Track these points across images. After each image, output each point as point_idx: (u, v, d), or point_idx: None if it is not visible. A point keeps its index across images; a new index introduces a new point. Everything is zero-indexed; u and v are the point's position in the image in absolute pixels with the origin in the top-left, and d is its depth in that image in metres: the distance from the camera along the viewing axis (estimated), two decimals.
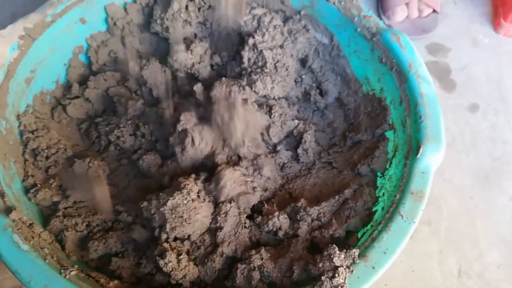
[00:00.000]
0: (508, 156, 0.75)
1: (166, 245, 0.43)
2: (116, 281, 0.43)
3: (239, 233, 0.46)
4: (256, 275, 0.42)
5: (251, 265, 0.43)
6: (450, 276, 0.63)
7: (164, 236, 0.44)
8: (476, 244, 0.66)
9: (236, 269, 0.43)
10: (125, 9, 0.62)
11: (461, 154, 0.76)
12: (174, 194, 0.45)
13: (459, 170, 0.74)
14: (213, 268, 0.44)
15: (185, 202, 0.44)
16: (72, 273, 0.39)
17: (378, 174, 0.53)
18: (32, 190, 0.49)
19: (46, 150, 0.52)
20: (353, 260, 0.39)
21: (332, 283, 0.37)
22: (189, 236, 0.45)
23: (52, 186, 0.50)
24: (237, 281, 0.43)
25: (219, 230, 0.46)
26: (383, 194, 0.48)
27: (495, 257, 0.65)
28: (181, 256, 0.42)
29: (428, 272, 0.64)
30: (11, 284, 0.59)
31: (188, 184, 0.46)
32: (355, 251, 0.40)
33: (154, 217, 0.45)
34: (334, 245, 0.41)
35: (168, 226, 0.44)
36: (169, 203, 0.44)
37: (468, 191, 0.72)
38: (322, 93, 0.64)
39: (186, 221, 0.44)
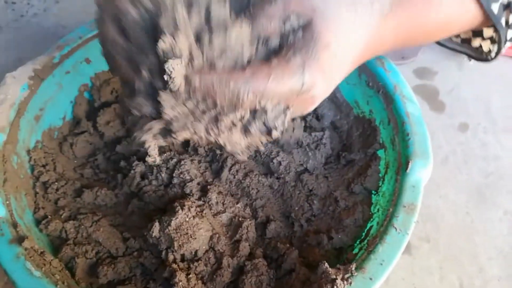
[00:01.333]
0: (501, 171, 0.78)
1: (174, 265, 0.45)
2: None
3: None
4: (265, 279, 0.44)
5: (259, 271, 0.45)
6: None
7: (171, 257, 0.46)
8: (475, 259, 0.68)
9: (243, 280, 0.45)
10: None
11: (455, 171, 0.78)
12: (176, 214, 0.47)
13: (453, 187, 0.76)
14: (222, 283, 0.46)
15: (187, 219, 0.46)
16: None
17: (372, 192, 0.55)
18: (43, 222, 0.51)
19: (56, 183, 0.55)
20: (351, 272, 0.41)
21: None
22: (196, 252, 0.47)
23: (62, 217, 0.52)
24: None
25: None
26: (378, 210, 0.51)
27: (495, 271, 0.66)
28: (190, 276, 0.44)
29: None
30: None
31: (186, 203, 0.48)
32: (352, 265, 0.42)
33: (160, 241, 0.47)
34: (324, 261, 0.43)
35: (176, 244, 0.46)
36: (172, 223, 0.46)
37: (464, 207, 0.74)
38: (318, 118, 0.67)
39: (191, 237, 0.46)
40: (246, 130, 0.37)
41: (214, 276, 0.46)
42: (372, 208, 0.53)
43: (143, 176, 0.56)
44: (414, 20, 0.43)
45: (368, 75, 0.59)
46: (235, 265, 0.48)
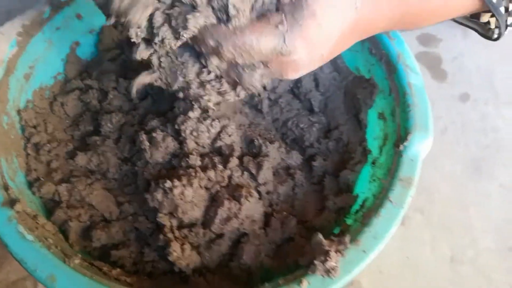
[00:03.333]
0: (498, 144, 0.77)
1: (170, 235, 0.44)
2: (118, 270, 0.45)
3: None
4: (263, 248, 0.44)
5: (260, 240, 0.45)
6: (443, 263, 0.65)
7: (168, 223, 0.46)
8: (469, 231, 0.68)
9: (243, 247, 0.45)
10: None
11: (453, 142, 0.78)
12: (183, 179, 0.47)
13: (450, 158, 0.76)
14: (219, 253, 0.46)
15: (194, 188, 0.46)
16: (76, 261, 0.40)
17: (369, 158, 0.54)
18: (35, 184, 0.50)
19: (47, 144, 0.54)
20: (344, 245, 0.41)
21: (324, 266, 0.39)
22: (196, 220, 0.47)
23: (55, 179, 0.51)
24: (244, 257, 0.46)
25: None
26: (374, 181, 0.50)
27: (487, 243, 0.67)
28: (185, 246, 0.44)
29: (421, 258, 0.65)
30: (15, 276, 0.61)
31: (189, 173, 0.48)
32: (346, 237, 0.41)
33: (163, 205, 0.46)
34: (318, 232, 0.42)
35: (179, 210, 0.46)
36: (179, 189, 0.46)
37: (459, 179, 0.73)
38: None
39: (196, 205, 0.46)
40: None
41: (211, 245, 0.46)
42: (369, 178, 0.52)
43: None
44: (409, 2, 0.43)
45: (371, 42, 0.57)
46: (234, 236, 0.48)
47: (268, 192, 0.53)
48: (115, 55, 0.64)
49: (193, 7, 0.37)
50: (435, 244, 0.67)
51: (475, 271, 0.64)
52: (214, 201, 0.48)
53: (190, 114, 0.50)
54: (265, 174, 0.52)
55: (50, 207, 0.50)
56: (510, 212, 0.70)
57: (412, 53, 0.55)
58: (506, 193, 0.72)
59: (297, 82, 0.62)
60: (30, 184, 0.50)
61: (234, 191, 0.49)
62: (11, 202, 0.43)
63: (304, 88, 0.62)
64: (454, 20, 0.55)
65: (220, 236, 0.48)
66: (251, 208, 0.48)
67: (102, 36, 0.65)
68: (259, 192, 0.52)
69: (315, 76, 0.62)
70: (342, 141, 0.59)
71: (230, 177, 0.50)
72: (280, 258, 0.48)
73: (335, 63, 0.64)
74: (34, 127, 0.55)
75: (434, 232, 0.68)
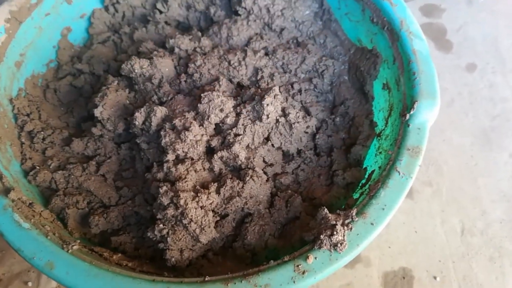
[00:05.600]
0: (507, 114, 0.75)
1: (162, 226, 0.43)
2: (119, 254, 0.43)
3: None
4: (268, 228, 0.42)
5: (264, 220, 0.43)
6: (453, 235, 0.64)
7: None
8: (478, 202, 0.67)
9: (247, 227, 0.44)
10: None
11: (460, 114, 0.75)
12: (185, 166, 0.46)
13: (458, 130, 0.74)
14: (222, 235, 0.45)
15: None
16: (75, 247, 0.39)
17: (375, 130, 0.53)
18: (31, 173, 0.49)
19: (42, 132, 0.52)
20: (351, 218, 0.39)
21: (331, 240, 0.37)
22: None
23: (51, 167, 0.50)
24: (248, 238, 0.44)
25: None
26: (380, 153, 0.48)
27: (497, 213, 0.65)
28: (181, 234, 0.42)
29: (431, 232, 0.64)
30: (19, 268, 0.60)
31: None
32: (353, 210, 0.40)
33: (170, 174, 0.46)
34: (324, 207, 0.41)
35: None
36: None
37: (468, 151, 0.71)
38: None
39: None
40: None
41: (216, 226, 0.45)
42: (375, 151, 0.51)
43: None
44: None
45: (373, 10, 0.54)
46: (238, 216, 0.46)
47: (276, 174, 0.52)
48: (105, 38, 0.62)
49: None
50: (444, 217, 0.65)
51: (486, 242, 0.63)
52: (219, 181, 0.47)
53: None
54: (273, 154, 0.51)
55: (47, 195, 0.49)
56: None
57: (415, 19, 0.52)
58: None
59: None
60: (25, 173, 0.49)
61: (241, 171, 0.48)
62: (6, 191, 0.42)
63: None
64: None
65: (224, 216, 0.46)
66: (257, 188, 0.47)
67: (93, 19, 0.63)
68: (266, 174, 0.51)
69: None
70: (348, 115, 0.57)
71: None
72: (286, 237, 0.46)
73: (337, 36, 0.62)
74: (28, 115, 0.53)
75: (443, 205, 0.66)
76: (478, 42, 0.84)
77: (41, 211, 0.44)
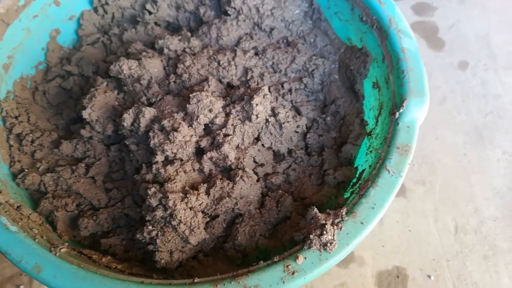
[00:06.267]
0: (500, 111, 0.75)
1: (151, 228, 0.43)
2: (109, 257, 0.43)
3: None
4: (258, 228, 0.42)
5: (255, 220, 0.43)
6: (446, 233, 0.64)
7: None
8: (471, 200, 0.66)
9: (237, 228, 0.44)
10: None
11: (453, 112, 0.75)
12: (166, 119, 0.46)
13: (451, 128, 0.74)
14: (213, 236, 0.45)
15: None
16: (63, 250, 0.39)
17: (366, 129, 0.52)
18: (20, 176, 0.49)
19: (30, 135, 0.52)
20: (341, 217, 0.39)
21: (321, 240, 0.37)
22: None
23: (40, 169, 0.50)
24: (239, 238, 0.44)
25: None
26: (371, 152, 0.48)
27: (491, 211, 0.65)
28: (170, 236, 0.42)
29: (424, 230, 0.64)
30: (10, 272, 0.59)
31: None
32: (343, 209, 0.40)
33: (159, 174, 0.45)
34: (314, 207, 0.41)
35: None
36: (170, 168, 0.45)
37: (461, 148, 0.71)
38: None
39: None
40: None
41: (206, 227, 0.45)
42: (365, 150, 0.50)
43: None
44: None
45: (362, 8, 0.54)
46: (229, 217, 0.46)
47: (266, 174, 0.52)
48: (95, 39, 0.62)
49: None
50: (438, 215, 0.65)
51: (480, 240, 0.63)
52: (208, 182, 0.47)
53: None
54: (264, 154, 0.51)
55: (36, 198, 0.49)
56: None
57: (403, 16, 0.52)
58: (509, 160, 0.70)
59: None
60: (14, 176, 0.49)
61: (231, 172, 0.48)
62: None
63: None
64: None
65: (214, 217, 0.46)
66: (247, 188, 0.47)
67: (82, 21, 0.63)
68: (256, 174, 0.50)
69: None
70: (339, 115, 0.57)
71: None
72: (277, 237, 0.46)
73: (327, 35, 0.62)
74: (16, 117, 0.53)
75: (437, 203, 0.66)
76: (470, 40, 0.84)
77: (29, 214, 0.43)
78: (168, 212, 0.41)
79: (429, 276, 0.60)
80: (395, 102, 0.48)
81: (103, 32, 0.63)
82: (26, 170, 0.49)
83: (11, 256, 0.38)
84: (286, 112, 0.52)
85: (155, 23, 0.63)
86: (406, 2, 0.88)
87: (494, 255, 0.62)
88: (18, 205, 0.43)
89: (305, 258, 0.37)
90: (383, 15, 0.52)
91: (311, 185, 0.52)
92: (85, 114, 0.50)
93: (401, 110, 0.45)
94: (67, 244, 0.41)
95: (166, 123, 0.47)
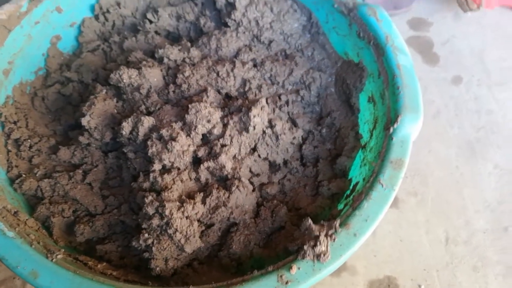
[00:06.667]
0: (492, 126, 0.76)
1: (147, 235, 0.43)
2: (104, 263, 0.44)
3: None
4: (253, 238, 0.43)
5: (250, 229, 0.44)
6: (437, 244, 0.65)
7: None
8: (463, 212, 0.68)
9: (232, 237, 0.44)
10: None
11: (446, 126, 0.77)
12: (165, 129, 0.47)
13: (444, 141, 0.75)
14: (208, 244, 0.45)
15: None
16: (59, 256, 0.39)
17: (361, 142, 0.53)
18: (17, 181, 0.49)
19: (29, 140, 0.52)
20: (335, 229, 0.40)
21: (314, 251, 0.38)
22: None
23: (37, 175, 0.50)
24: (234, 247, 0.45)
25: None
26: (365, 165, 0.49)
27: (481, 223, 0.67)
28: (166, 244, 0.43)
29: (416, 241, 0.65)
30: (3, 276, 0.60)
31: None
32: (337, 221, 0.40)
33: (156, 183, 0.46)
34: (308, 217, 0.41)
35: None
36: (167, 178, 0.45)
37: (453, 162, 0.73)
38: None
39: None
40: None
41: (201, 236, 0.45)
42: (360, 163, 0.51)
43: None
44: None
45: (359, 25, 0.56)
46: (224, 225, 0.47)
47: (262, 184, 0.52)
48: (95, 46, 0.62)
49: None
50: (429, 227, 0.66)
51: (470, 252, 0.64)
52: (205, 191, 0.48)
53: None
54: (260, 165, 0.52)
55: (33, 203, 0.49)
56: (505, 192, 0.69)
57: (399, 33, 0.53)
58: (500, 174, 0.71)
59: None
60: (11, 181, 0.49)
61: (227, 182, 0.49)
62: None
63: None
64: None
65: (210, 226, 0.47)
66: (243, 198, 0.47)
67: (83, 28, 0.64)
68: (252, 184, 0.51)
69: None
70: (334, 127, 0.58)
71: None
72: (271, 247, 0.47)
73: (324, 49, 0.63)
74: (15, 123, 0.53)
75: (429, 214, 0.67)
76: (465, 55, 0.86)
77: (26, 219, 0.44)
78: (165, 220, 0.42)
79: (420, 286, 0.61)
80: (389, 117, 0.49)
81: (104, 39, 0.64)
82: (24, 175, 0.49)
83: (8, 261, 0.38)
84: (283, 124, 0.53)
85: (155, 32, 0.64)
86: (402, 17, 0.89)
87: (483, 266, 0.63)
88: (15, 210, 0.43)
89: (298, 268, 0.38)
90: (380, 32, 0.53)
91: (306, 195, 0.53)
92: (84, 121, 0.50)
93: (395, 126, 0.46)
94: (63, 250, 0.41)
95: (164, 132, 0.47)
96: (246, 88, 0.57)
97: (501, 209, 0.68)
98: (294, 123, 0.57)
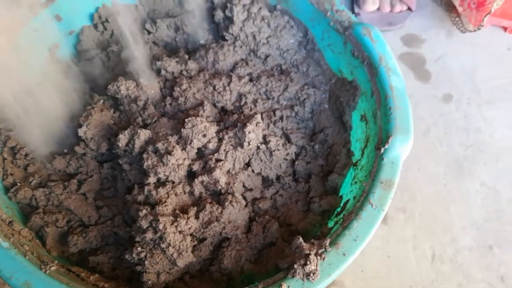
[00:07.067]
0: (480, 144, 0.78)
1: (140, 249, 0.44)
2: (96, 275, 0.44)
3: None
4: (244, 253, 0.44)
5: (241, 245, 0.45)
6: (424, 261, 0.66)
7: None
8: (449, 229, 0.69)
9: (224, 252, 0.45)
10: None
11: (435, 143, 0.78)
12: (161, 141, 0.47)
13: (433, 158, 0.76)
14: (199, 258, 0.46)
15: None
16: (52, 268, 0.40)
17: (352, 160, 0.55)
18: (12, 189, 0.49)
19: (24, 148, 0.53)
20: (325, 248, 0.41)
21: (304, 270, 0.39)
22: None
23: (32, 184, 0.50)
24: (225, 262, 0.45)
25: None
26: (356, 183, 0.50)
27: (467, 241, 0.68)
28: (159, 258, 0.43)
29: (403, 257, 0.66)
30: None
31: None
32: (327, 240, 0.41)
33: (151, 195, 0.47)
34: (299, 236, 0.42)
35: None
36: (162, 191, 0.46)
37: (441, 179, 0.74)
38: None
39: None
40: None
41: (193, 250, 0.46)
42: (350, 180, 0.53)
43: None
44: None
45: (354, 44, 0.57)
46: (216, 240, 0.47)
47: (254, 199, 0.53)
48: (93, 55, 0.63)
49: None
50: (416, 243, 0.67)
51: (455, 269, 0.65)
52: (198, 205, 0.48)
53: None
54: (253, 180, 0.53)
55: (27, 212, 0.49)
56: (491, 210, 0.71)
57: (393, 54, 0.55)
58: (487, 192, 0.73)
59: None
60: (6, 189, 0.49)
61: (220, 197, 0.49)
62: None
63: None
64: None
65: (202, 240, 0.47)
66: (235, 213, 0.48)
67: (82, 36, 0.64)
68: (245, 199, 0.52)
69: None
70: (327, 143, 0.59)
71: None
72: (262, 263, 0.48)
73: (319, 65, 0.64)
74: (11, 131, 0.53)
75: (416, 231, 0.69)
76: (456, 73, 0.88)
77: (20, 229, 0.44)
78: (158, 234, 0.43)
79: None
80: (381, 137, 0.50)
81: (102, 48, 0.64)
82: (19, 183, 0.50)
83: (2, 272, 0.39)
84: (277, 140, 0.54)
85: (153, 43, 0.65)
86: (396, 33, 0.91)
87: (468, 284, 0.64)
88: (10, 220, 0.44)
89: (288, 286, 0.39)
90: (374, 52, 0.54)
91: (297, 211, 0.54)
92: (80, 132, 0.51)
93: (386, 146, 0.47)
94: (56, 261, 0.42)
95: (160, 146, 0.48)
96: (242, 103, 0.58)
97: (487, 227, 0.69)
98: (288, 139, 0.58)
